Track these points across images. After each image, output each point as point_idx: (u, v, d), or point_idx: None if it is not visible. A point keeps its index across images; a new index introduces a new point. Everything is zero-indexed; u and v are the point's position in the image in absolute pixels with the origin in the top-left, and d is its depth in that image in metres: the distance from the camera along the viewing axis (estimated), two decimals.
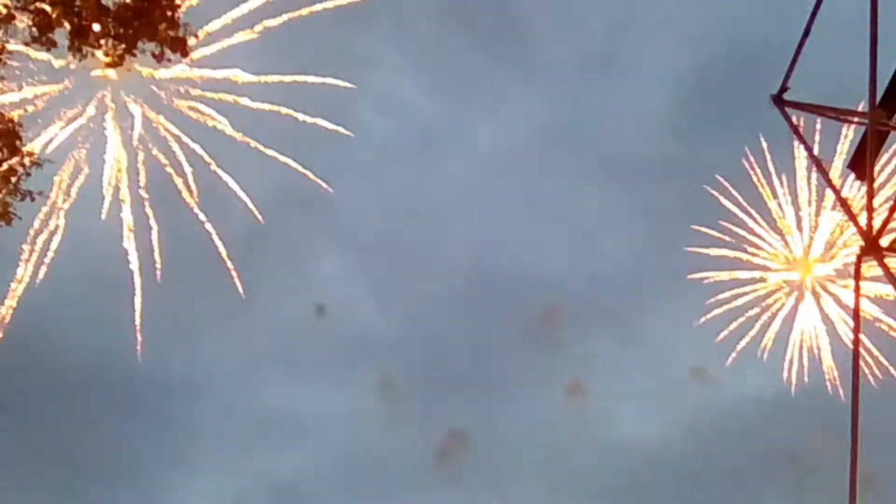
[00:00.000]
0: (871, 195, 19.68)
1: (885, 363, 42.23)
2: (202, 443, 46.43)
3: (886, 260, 19.37)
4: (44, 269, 42.47)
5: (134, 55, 21.71)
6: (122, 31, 21.15)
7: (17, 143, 21.96)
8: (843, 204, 19.91)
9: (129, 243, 41.59)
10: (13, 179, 21.87)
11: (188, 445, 46.11)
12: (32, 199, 22.35)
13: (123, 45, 21.31)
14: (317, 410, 46.71)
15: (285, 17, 31.55)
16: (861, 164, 19.77)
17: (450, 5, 44.56)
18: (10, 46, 21.83)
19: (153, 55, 21.91)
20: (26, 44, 21.59)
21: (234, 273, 42.59)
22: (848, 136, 26.84)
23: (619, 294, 47.85)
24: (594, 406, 48.93)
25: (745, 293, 41.60)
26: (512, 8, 44.74)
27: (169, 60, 22.34)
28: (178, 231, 36.43)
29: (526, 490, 47.77)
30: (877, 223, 19.53)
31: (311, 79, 33.44)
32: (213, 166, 33.67)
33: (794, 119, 20.88)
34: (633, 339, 48.87)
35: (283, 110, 33.07)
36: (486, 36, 45.24)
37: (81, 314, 43.50)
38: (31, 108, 28.09)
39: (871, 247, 19.45)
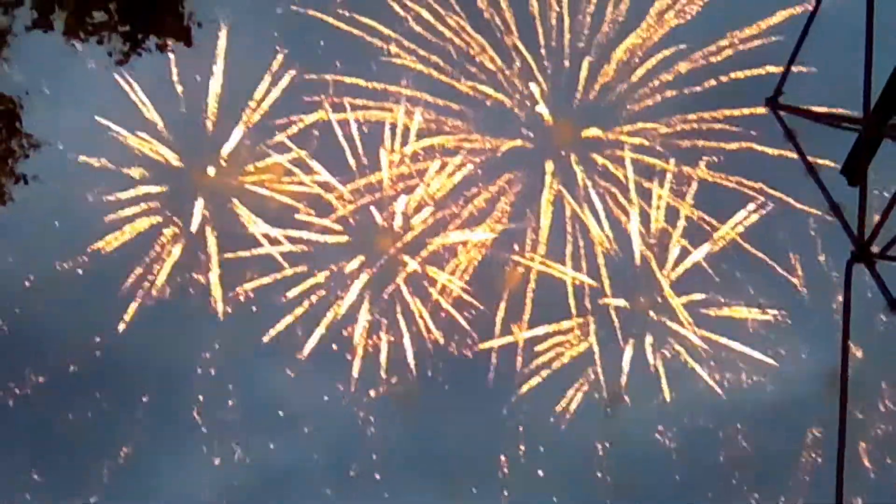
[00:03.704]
0: (864, 201, 19.79)
1: None
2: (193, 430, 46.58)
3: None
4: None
5: (139, 54, 21.69)
6: (128, 27, 21.18)
7: (17, 124, 22.04)
8: (835, 209, 19.99)
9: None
10: (10, 161, 21.97)
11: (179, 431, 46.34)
12: (26, 183, 22.45)
13: (129, 44, 21.33)
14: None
15: None
16: (854, 169, 19.86)
17: None
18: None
19: (157, 46, 21.91)
20: (28, 28, 21.58)
21: None
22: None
23: None
24: None
25: None
26: None
27: (172, 51, 22.36)
28: None
29: None
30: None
31: None
32: None
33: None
34: None
35: None
36: None
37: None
38: None
39: (863, 253, 19.56)
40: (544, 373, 45.36)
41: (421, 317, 44.82)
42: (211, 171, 44.68)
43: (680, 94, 44.05)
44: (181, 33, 21.58)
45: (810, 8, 20.75)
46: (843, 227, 19.57)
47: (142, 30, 20.86)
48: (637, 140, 44.25)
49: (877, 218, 19.41)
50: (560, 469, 46.75)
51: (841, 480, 17.01)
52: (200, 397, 46.24)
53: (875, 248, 19.27)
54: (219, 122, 44.16)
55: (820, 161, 21.15)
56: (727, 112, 43.64)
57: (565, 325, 45.18)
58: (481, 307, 44.79)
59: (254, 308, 45.69)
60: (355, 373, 45.75)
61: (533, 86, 43.99)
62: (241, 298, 45.26)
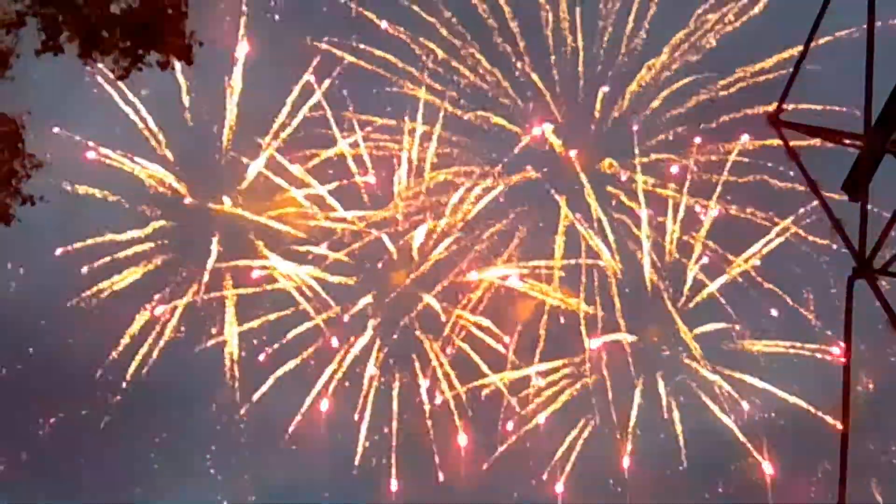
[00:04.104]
0: (864, 217, 19.67)
1: None
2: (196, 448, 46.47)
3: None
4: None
5: (140, 69, 21.84)
6: (129, 44, 21.35)
7: (20, 145, 22.15)
8: (836, 224, 19.89)
9: None
10: (13, 182, 22.06)
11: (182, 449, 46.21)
12: (33, 204, 22.53)
13: (129, 59, 21.49)
14: None
15: None
16: (854, 185, 19.78)
17: None
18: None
19: (158, 63, 22.07)
20: (36, 51, 21.72)
21: None
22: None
23: None
24: None
25: None
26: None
27: (173, 68, 22.49)
28: None
29: None
30: None
31: None
32: None
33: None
34: None
35: None
36: None
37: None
38: None
39: (864, 268, 19.43)
40: (555, 406, 44.96)
41: (433, 350, 44.60)
42: (227, 201, 44.59)
43: (693, 127, 43.94)
44: (182, 52, 21.73)
45: (821, 42, 20.84)
46: (844, 242, 19.47)
47: (143, 45, 21.03)
48: (651, 177, 44.12)
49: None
50: (573, 502, 46.31)
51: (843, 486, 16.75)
52: (213, 446, 46.13)
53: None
54: (232, 155, 44.19)
55: (827, 194, 21.10)
56: (740, 144, 43.49)
57: (577, 358, 44.85)
58: (496, 344, 44.50)
59: (267, 350, 45.48)
60: (369, 408, 45.47)
61: (547, 124, 43.97)
62: (255, 342, 45.11)
